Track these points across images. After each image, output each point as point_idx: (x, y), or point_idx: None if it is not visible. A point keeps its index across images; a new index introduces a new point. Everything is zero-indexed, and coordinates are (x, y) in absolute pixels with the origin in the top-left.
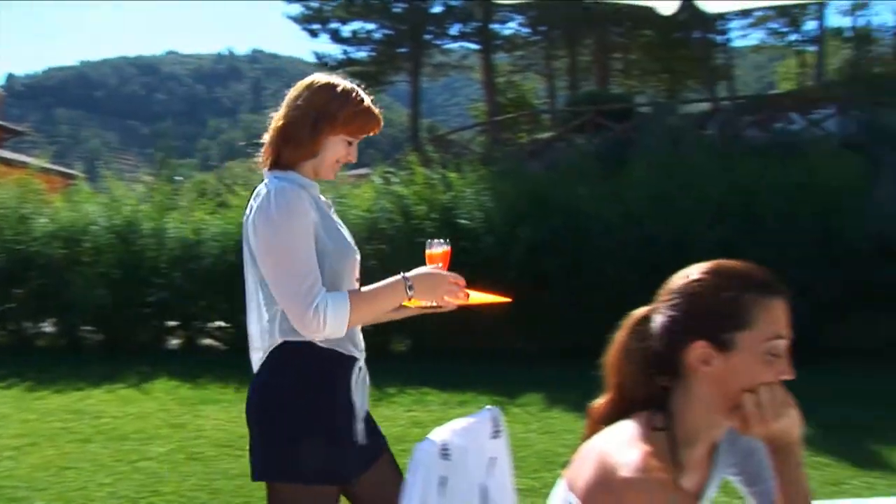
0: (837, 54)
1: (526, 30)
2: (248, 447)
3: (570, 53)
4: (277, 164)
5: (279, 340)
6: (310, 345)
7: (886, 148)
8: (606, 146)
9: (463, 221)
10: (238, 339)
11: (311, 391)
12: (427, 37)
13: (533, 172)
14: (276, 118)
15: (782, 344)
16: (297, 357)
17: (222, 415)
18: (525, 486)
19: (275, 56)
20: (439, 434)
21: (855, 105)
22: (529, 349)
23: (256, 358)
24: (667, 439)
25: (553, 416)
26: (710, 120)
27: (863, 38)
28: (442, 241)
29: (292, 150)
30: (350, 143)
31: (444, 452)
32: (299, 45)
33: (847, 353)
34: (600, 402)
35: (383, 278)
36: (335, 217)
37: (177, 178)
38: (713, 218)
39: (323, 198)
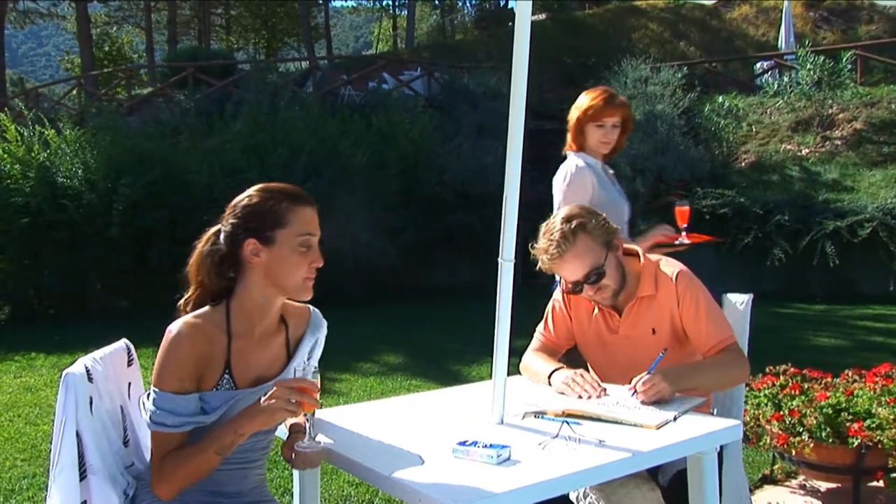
0: (427, 20)
1: None
2: None
3: (169, 7)
4: (575, 147)
5: None
6: None
7: (466, 108)
8: (207, 102)
9: (62, 180)
10: None
11: None
12: None
13: (132, 129)
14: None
15: (311, 239)
16: None
17: None
18: None
19: None
20: (83, 361)
21: (439, 68)
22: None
23: None
24: (224, 310)
25: None
26: (308, 78)
27: (448, 6)
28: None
29: (574, 139)
30: (600, 126)
31: (89, 376)
32: None
33: (431, 290)
34: (187, 295)
35: None
36: (612, 178)
37: None
38: (308, 170)
39: (604, 169)
